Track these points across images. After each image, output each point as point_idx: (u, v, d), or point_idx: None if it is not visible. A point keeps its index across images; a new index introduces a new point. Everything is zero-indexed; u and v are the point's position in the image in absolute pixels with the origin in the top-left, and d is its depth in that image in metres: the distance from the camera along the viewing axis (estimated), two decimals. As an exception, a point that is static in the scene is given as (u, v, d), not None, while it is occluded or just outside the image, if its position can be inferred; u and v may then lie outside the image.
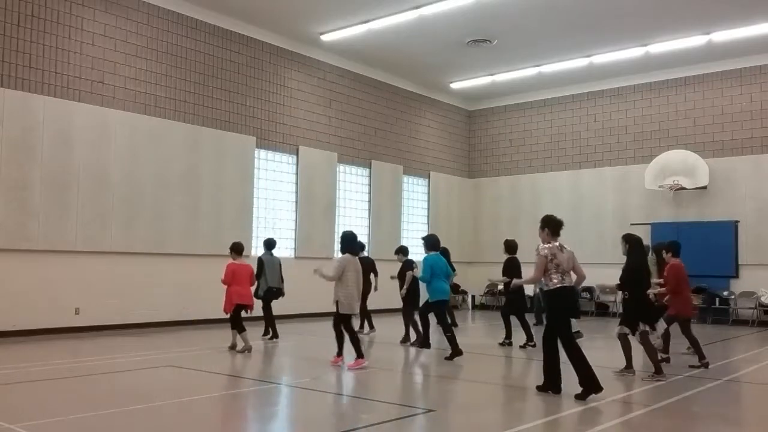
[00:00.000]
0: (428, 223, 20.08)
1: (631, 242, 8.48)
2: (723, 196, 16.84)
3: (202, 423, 6.21)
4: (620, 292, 8.94)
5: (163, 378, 8.24)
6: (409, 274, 11.39)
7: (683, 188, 17.00)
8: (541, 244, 7.30)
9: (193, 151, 14.01)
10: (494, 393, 7.82)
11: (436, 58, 17.23)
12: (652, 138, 18.16)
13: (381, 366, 9.37)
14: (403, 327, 11.62)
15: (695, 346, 9.36)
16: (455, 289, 20.49)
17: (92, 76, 12.55)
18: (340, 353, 9.20)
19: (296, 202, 16.25)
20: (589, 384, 6.99)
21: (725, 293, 16.48)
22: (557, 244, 7.26)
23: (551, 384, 7.22)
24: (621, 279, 8.41)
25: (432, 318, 10.58)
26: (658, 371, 8.30)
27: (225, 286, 10.43)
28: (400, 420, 6.30)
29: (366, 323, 12.83)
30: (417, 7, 13.71)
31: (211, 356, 9.89)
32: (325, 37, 15.66)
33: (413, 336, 11.43)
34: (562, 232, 7.45)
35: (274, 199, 15.87)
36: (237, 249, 10.73)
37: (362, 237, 17.42)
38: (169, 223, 13.49)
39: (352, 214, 17.81)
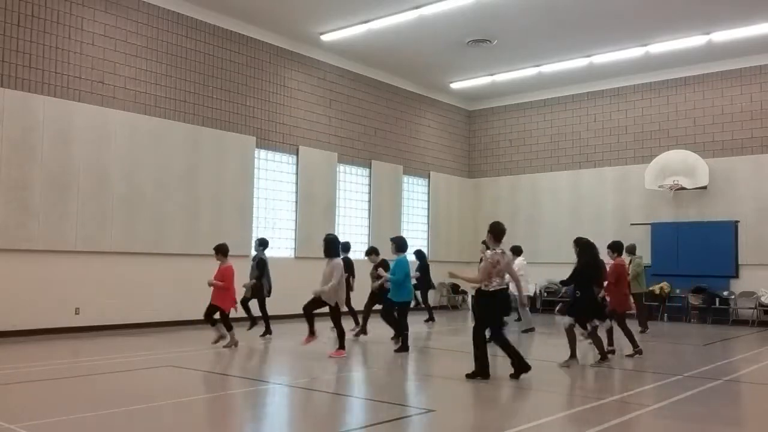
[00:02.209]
0: (428, 223, 20.09)
1: (581, 245, 9.44)
2: (723, 196, 16.83)
3: (202, 423, 6.22)
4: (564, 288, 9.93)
5: (163, 378, 8.24)
6: (381, 273, 11.56)
7: (683, 188, 16.99)
8: (488, 251, 8.27)
9: (193, 151, 14.01)
10: (494, 392, 7.81)
11: (436, 58, 17.23)
12: (652, 138, 18.16)
13: (379, 366, 9.36)
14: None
15: (629, 337, 10.25)
16: (455, 289, 20.57)
17: (92, 76, 12.54)
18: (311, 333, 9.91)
19: (296, 202, 16.24)
20: (520, 365, 8.10)
21: (725, 293, 16.46)
22: (499, 250, 8.23)
23: (481, 370, 8.06)
24: (571, 278, 9.38)
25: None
26: (603, 358, 9.39)
27: (226, 289, 10.55)
28: (400, 420, 6.30)
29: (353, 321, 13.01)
30: (417, 7, 13.71)
31: (211, 356, 9.89)
32: (325, 37, 15.65)
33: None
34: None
35: (274, 199, 15.86)
36: (224, 251, 10.83)
37: (362, 237, 17.54)
38: (169, 223, 13.49)
39: (352, 214, 17.81)
